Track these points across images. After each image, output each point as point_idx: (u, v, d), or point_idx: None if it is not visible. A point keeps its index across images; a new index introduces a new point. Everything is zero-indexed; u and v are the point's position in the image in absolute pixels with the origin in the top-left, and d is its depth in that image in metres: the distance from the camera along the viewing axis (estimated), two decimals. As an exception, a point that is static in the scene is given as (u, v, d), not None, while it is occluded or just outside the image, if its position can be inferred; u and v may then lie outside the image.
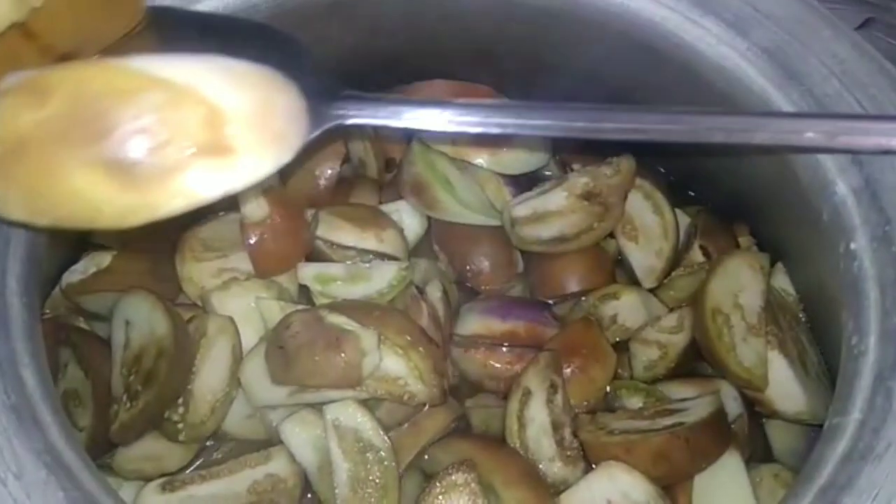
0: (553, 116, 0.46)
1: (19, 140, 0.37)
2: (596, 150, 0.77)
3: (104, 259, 0.66)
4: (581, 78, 0.67)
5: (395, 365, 0.60)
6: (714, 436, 0.61)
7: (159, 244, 0.69)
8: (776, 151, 0.57)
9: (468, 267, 0.73)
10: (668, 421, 0.62)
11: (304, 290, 0.68)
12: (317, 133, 0.46)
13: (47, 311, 0.67)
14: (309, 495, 0.61)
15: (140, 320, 0.58)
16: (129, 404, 0.56)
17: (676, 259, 0.73)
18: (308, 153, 0.72)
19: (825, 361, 0.66)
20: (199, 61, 0.40)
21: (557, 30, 0.64)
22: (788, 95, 0.56)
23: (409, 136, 0.78)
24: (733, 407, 0.65)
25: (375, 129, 0.74)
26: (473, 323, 0.69)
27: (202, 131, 0.38)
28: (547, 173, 0.78)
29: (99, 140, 0.37)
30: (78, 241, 0.68)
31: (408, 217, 0.74)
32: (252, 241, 0.64)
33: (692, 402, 0.64)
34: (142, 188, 0.38)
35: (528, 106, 0.48)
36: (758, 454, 0.66)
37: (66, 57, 0.46)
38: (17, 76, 0.38)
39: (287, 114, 0.42)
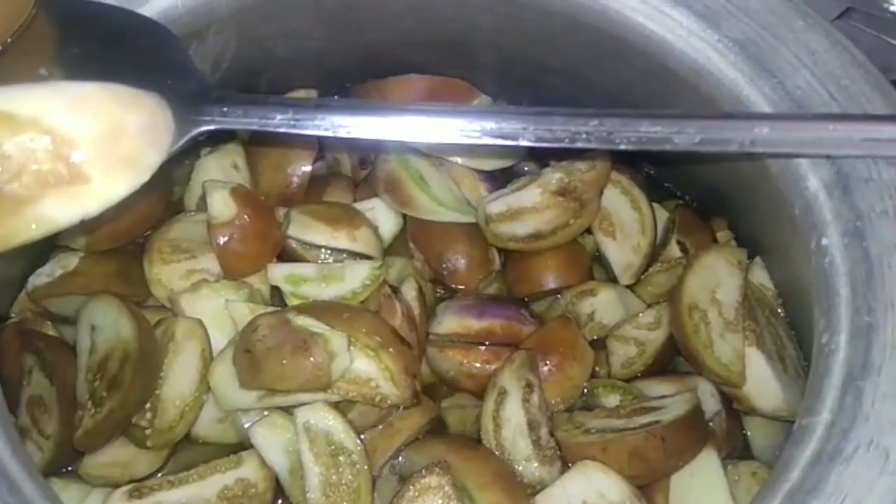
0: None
1: None
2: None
3: (71, 261, 0.65)
4: (553, 70, 0.66)
5: (366, 367, 0.59)
6: (690, 434, 0.60)
7: (127, 246, 0.68)
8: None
9: (444, 265, 0.72)
10: (645, 419, 0.61)
11: (277, 291, 0.67)
12: (182, 142, 0.45)
13: (13, 315, 0.66)
14: (280, 501, 0.60)
15: (105, 324, 0.57)
16: (93, 410, 0.55)
17: (654, 255, 0.72)
18: (281, 151, 0.73)
19: (804, 357, 0.65)
20: (43, 90, 0.40)
21: (528, 22, 0.63)
22: (760, 88, 0.55)
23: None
24: (711, 404, 0.65)
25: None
26: (449, 322, 0.68)
27: (51, 161, 0.38)
28: (525, 169, 0.77)
29: None
30: (45, 244, 0.67)
31: (382, 215, 0.73)
32: (220, 242, 0.63)
33: (669, 399, 0.63)
34: None
35: (448, 110, 0.46)
36: (736, 451, 0.65)
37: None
38: None
39: (141, 134, 0.42)
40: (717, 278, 0.66)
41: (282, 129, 0.45)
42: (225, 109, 0.44)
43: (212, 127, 0.44)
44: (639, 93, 0.62)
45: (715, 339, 0.64)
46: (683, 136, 0.45)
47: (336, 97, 0.75)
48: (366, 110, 0.44)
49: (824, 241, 0.50)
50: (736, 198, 0.68)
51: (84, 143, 0.38)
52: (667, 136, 0.45)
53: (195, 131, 0.44)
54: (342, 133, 0.44)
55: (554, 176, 0.68)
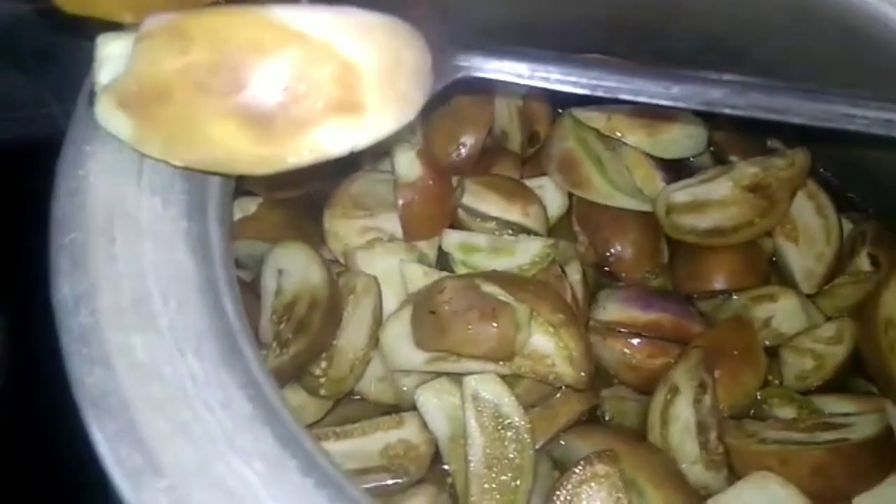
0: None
1: (162, 84, 0.38)
2: (755, 141, 0.72)
3: (250, 206, 0.66)
4: (765, 66, 0.62)
5: (545, 343, 0.57)
6: (879, 456, 0.56)
7: (300, 197, 0.69)
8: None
9: (610, 251, 0.70)
10: (830, 436, 0.57)
11: (441, 259, 0.66)
12: (440, 86, 0.43)
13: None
14: (444, 466, 0.59)
15: (295, 269, 0.58)
16: (278, 351, 0.55)
17: (838, 266, 0.68)
18: (455, 120, 0.72)
19: None
20: (333, 14, 0.39)
21: (745, 7, 0.60)
22: None
23: (556, 108, 0.75)
24: (897, 429, 0.60)
25: (509, 87, 0.70)
26: (613, 310, 0.66)
27: (335, 88, 0.38)
28: (693, 163, 0.74)
29: (237, 91, 0.37)
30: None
31: (550, 194, 0.71)
32: (404, 202, 0.63)
33: (854, 418, 0.59)
34: (273, 141, 0.38)
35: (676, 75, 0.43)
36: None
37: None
38: (159, 19, 0.38)
39: (414, 71, 0.41)
40: (916, 296, 0.62)
41: (536, 83, 0.43)
42: (483, 58, 0.43)
43: (469, 74, 0.43)
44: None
45: (910, 360, 0.60)
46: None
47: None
48: (637, 73, 0.42)
49: None
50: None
51: (366, 74, 0.37)
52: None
53: (453, 77, 0.43)
54: (600, 92, 0.42)
55: (748, 170, 0.65)
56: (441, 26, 0.43)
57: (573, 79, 0.43)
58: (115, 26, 0.43)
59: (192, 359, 0.34)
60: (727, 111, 0.40)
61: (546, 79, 0.43)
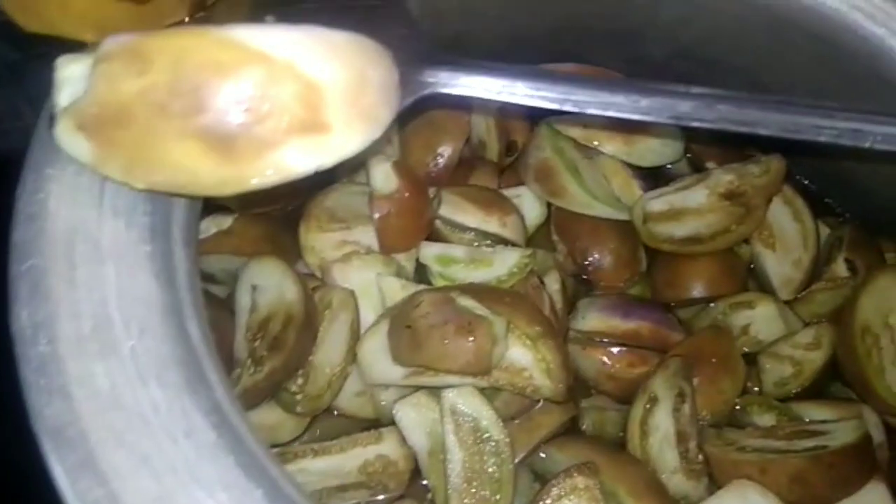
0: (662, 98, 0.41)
1: (121, 107, 0.37)
2: (732, 149, 0.73)
3: (225, 221, 0.65)
4: (739, 73, 0.62)
5: (522, 356, 0.57)
6: (860, 463, 0.56)
7: (277, 211, 0.68)
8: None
9: (588, 260, 0.69)
10: (809, 443, 0.57)
11: (420, 271, 0.66)
12: (408, 103, 0.43)
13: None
14: (423, 482, 0.58)
15: (269, 285, 0.57)
16: (253, 369, 0.55)
17: (815, 271, 0.68)
18: (433, 130, 0.72)
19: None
20: (297, 33, 0.39)
21: (721, 14, 0.60)
22: None
23: (534, 117, 0.75)
24: (875, 435, 0.60)
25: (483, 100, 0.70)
26: (592, 319, 0.66)
27: (298, 107, 0.37)
28: (671, 170, 0.74)
29: (198, 113, 0.37)
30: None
31: (528, 204, 0.71)
32: (380, 215, 0.62)
33: (833, 425, 0.59)
34: (236, 161, 0.38)
35: (644, 88, 0.43)
36: (898, 487, 0.61)
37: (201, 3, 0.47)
38: (117, 40, 0.38)
39: (380, 89, 0.40)
40: (892, 302, 0.62)
41: (505, 98, 0.43)
42: (451, 73, 0.42)
43: (437, 90, 0.43)
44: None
45: (887, 365, 0.60)
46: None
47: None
48: (608, 85, 0.42)
49: None
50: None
51: (330, 93, 0.37)
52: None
53: (421, 94, 0.43)
54: (569, 106, 0.42)
55: (724, 178, 0.64)
56: (409, 42, 0.43)
57: (542, 93, 0.42)
58: (78, 45, 0.43)
59: (154, 387, 0.33)
60: (696, 124, 0.40)
61: (514, 94, 0.42)
